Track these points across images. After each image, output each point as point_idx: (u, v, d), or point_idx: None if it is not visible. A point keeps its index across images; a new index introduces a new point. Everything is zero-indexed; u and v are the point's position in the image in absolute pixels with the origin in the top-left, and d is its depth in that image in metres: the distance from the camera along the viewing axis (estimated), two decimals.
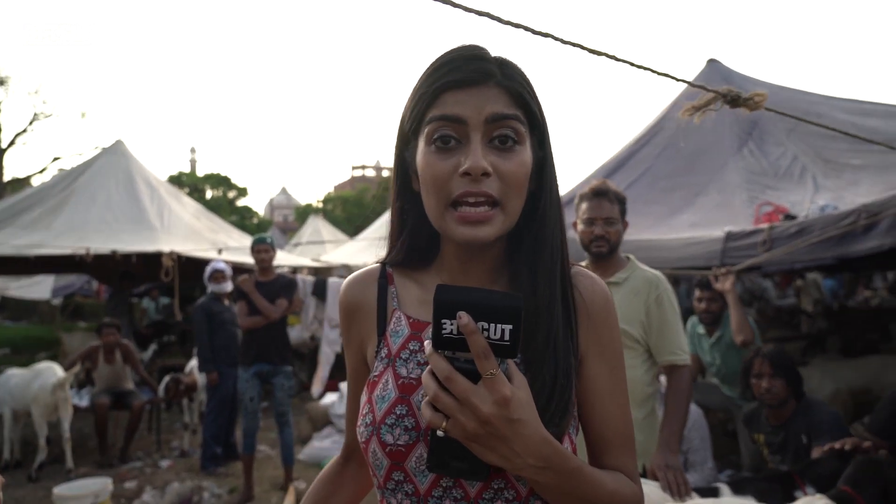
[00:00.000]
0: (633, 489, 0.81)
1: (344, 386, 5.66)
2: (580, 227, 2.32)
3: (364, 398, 0.86)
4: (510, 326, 0.65)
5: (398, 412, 0.79)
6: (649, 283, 2.24)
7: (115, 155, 8.75)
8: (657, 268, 2.45)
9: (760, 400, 2.80)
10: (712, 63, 5.60)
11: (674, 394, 2.22)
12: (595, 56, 1.11)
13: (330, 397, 5.97)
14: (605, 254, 2.30)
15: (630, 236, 4.26)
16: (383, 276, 0.91)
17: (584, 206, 2.34)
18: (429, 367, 0.68)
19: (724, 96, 1.28)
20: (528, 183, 0.78)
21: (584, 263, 2.47)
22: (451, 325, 0.65)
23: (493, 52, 0.79)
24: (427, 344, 0.68)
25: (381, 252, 0.94)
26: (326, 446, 5.42)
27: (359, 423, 0.84)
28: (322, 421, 5.87)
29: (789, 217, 3.44)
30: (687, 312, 3.59)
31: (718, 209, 4.51)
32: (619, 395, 0.84)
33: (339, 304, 0.95)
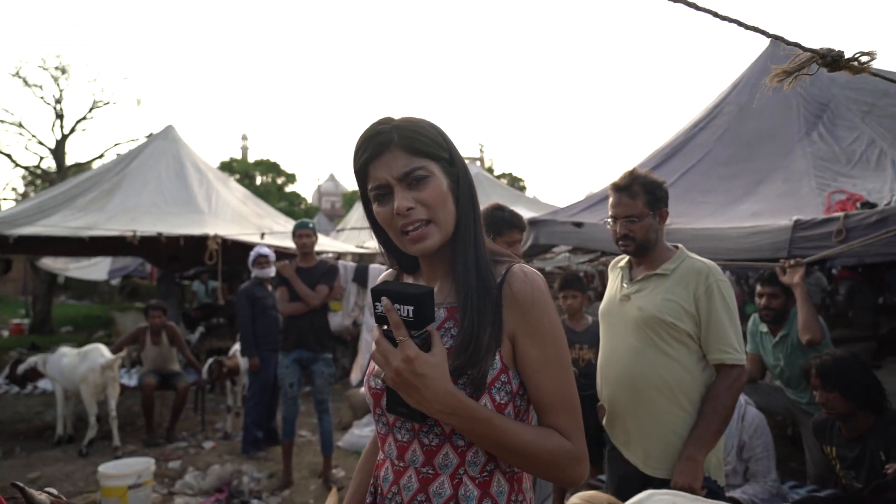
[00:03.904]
0: (562, 443, 1.00)
1: None
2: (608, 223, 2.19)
3: None
4: (412, 307, 0.93)
5: (377, 368, 1.09)
6: (698, 273, 2.04)
7: (165, 140, 8.91)
8: (716, 259, 2.25)
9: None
10: (778, 42, 5.21)
11: (714, 393, 1.98)
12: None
13: None
14: (633, 252, 2.16)
15: (686, 225, 4.01)
16: (397, 278, 1.25)
17: (609, 201, 2.20)
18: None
19: (821, 57, 1.08)
20: (448, 198, 1.05)
21: (625, 259, 2.30)
22: (380, 306, 0.94)
23: (395, 117, 1.06)
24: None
25: None
26: (366, 434, 5.36)
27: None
28: (363, 409, 5.82)
29: (867, 205, 3.13)
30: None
31: (783, 198, 4.19)
32: (552, 369, 1.02)
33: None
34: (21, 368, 5.81)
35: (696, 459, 1.92)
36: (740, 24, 0.99)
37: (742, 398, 3.06)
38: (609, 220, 2.19)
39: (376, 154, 1.03)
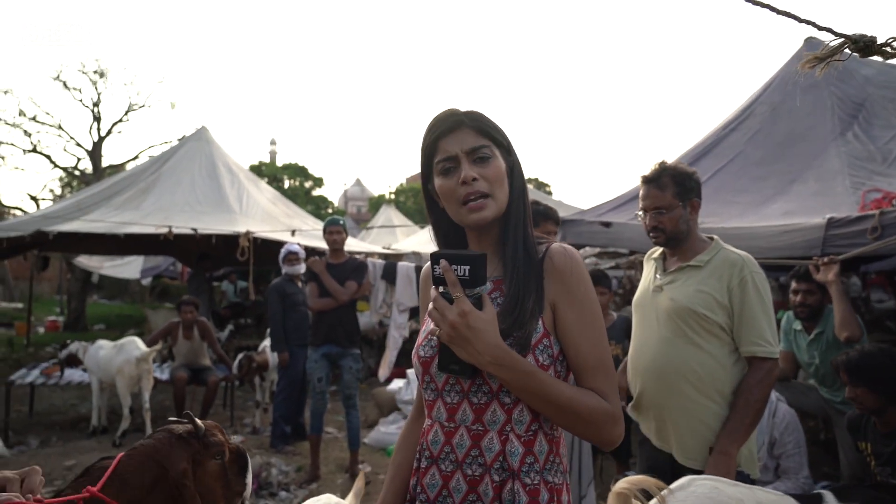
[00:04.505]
0: (600, 402, 1.09)
1: (411, 372, 5.66)
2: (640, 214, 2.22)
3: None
4: (468, 267, 1.04)
5: (427, 337, 1.22)
6: (732, 265, 2.03)
7: (199, 141, 9.12)
8: None
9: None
10: (810, 42, 5.15)
11: (746, 386, 1.96)
12: None
13: (397, 383, 5.96)
14: (664, 243, 2.18)
15: (717, 225, 3.98)
16: None
17: (639, 194, 2.22)
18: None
19: (854, 42, 1.09)
20: (505, 180, 1.18)
21: (659, 249, 2.30)
22: (438, 268, 1.06)
23: (463, 108, 1.21)
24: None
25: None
26: (392, 432, 5.41)
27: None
28: (389, 407, 5.87)
29: None
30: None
31: (816, 197, 4.13)
32: (589, 332, 1.13)
33: (422, 276, 1.39)
34: (63, 353, 6.01)
35: (729, 453, 1.91)
36: (773, 9, 1.01)
37: (773, 394, 3.03)
38: (640, 212, 2.20)
39: (448, 130, 1.17)
